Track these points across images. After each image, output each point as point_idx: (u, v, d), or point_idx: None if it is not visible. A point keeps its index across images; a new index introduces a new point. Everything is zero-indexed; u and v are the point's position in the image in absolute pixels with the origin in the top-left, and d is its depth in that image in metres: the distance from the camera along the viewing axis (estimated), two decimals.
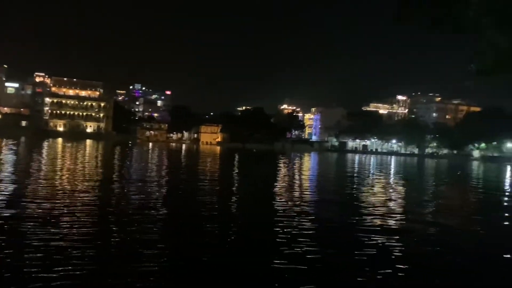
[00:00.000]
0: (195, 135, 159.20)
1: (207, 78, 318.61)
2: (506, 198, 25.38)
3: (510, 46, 4.54)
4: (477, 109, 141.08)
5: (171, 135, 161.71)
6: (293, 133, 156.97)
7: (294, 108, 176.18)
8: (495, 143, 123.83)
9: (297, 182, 26.28)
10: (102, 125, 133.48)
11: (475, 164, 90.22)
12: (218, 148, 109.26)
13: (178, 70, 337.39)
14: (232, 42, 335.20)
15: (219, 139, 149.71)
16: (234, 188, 22.26)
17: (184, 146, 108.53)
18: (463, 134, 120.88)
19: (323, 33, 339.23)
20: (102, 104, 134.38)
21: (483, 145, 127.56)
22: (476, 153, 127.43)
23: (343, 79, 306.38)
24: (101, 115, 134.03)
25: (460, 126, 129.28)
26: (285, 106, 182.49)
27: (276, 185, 23.40)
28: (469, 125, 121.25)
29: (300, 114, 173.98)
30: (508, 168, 73.49)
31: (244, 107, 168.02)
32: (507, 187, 34.80)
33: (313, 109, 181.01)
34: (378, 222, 13.06)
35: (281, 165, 45.54)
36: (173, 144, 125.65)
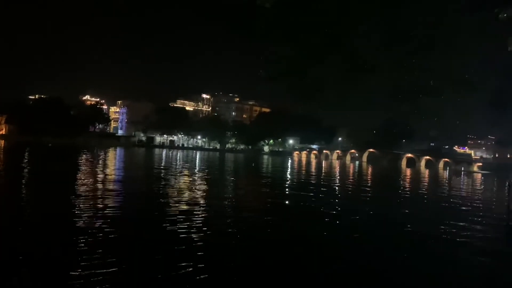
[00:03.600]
0: None
1: None
2: (283, 181, 31.89)
3: (292, 56, 6.08)
4: (268, 110, 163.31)
5: None
6: (97, 127, 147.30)
7: (98, 99, 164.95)
8: (280, 139, 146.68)
9: (100, 178, 25.19)
10: None
11: (265, 157, 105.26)
12: (2, 142, 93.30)
13: None
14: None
15: (3, 132, 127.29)
16: (21, 187, 20.53)
17: None
18: (256, 132, 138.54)
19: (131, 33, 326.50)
20: None
21: (271, 141, 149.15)
22: (266, 148, 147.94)
23: (151, 74, 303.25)
24: None
25: (253, 124, 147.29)
26: (87, 97, 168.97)
27: (77, 182, 22.21)
28: (260, 124, 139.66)
29: (105, 107, 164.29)
30: (289, 160, 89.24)
31: (37, 95, 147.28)
32: (286, 175, 43.12)
33: (119, 102, 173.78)
34: (182, 210, 14.74)
35: (83, 161, 42.49)
36: None
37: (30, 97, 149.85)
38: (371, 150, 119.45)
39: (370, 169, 69.02)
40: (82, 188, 19.28)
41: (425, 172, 71.44)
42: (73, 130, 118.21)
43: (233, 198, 20.29)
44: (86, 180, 22.92)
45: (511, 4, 5.08)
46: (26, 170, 28.76)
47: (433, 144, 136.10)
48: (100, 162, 43.50)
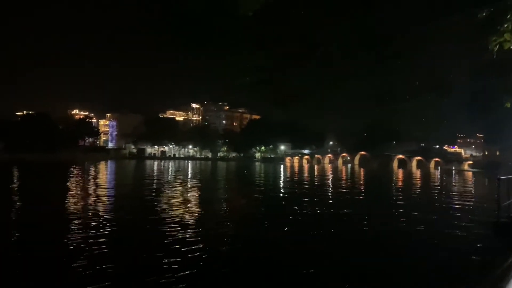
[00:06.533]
0: None
1: None
2: (278, 189, 31.80)
3: (266, 65, 6.22)
4: (257, 117, 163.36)
5: None
6: (87, 140, 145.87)
7: (87, 113, 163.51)
8: (271, 146, 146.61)
9: (92, 193, 25.00)
10: None
11: (257, 164, 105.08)
12: None
13: None
14: None
15: None
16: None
17: None
18: (247, 139, 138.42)
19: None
20: None
21: (263, 148, 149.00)
22: (258, 155, 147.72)
23: (138, 86, 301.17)
24: None
25: (244, 132, 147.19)
26: (76, 111, 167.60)
27: (67, 197, 21.96)
28: (251, 131, 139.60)
29: (94, 120, 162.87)
30: (282, 166, 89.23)
31: (25, 112, 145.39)
32: (280, 181, 43.04)
33: (109, 115, 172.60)
34: (176, 223, 14.58)
35: (73, 177, 41.21)
36: None
37: (18, 113, 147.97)
38: (362, 153, 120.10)
39: (363, 172, 69.28)
40: (74, 207, 19.11)
41: (417, 173, 71.92)
42: (61, 145, 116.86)
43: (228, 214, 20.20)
44: (76, 198, 22.71)
45: (489, 3, 5.14)
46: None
47: (423, 145, 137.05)
48: (94, 176, 43.10)
